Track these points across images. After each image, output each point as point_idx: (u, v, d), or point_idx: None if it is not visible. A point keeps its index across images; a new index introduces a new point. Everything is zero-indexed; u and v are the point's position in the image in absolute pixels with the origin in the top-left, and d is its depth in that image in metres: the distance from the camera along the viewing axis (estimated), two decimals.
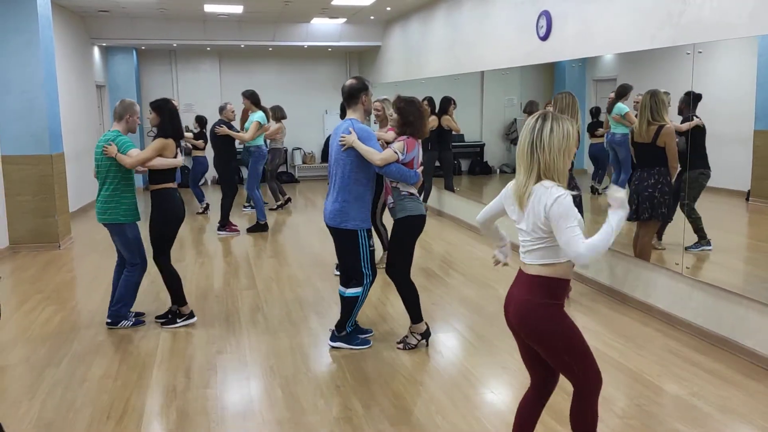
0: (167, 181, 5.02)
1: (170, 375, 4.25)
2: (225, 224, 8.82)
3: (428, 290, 6.03)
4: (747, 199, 5.47)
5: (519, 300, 2.65)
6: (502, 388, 4.07)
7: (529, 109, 8.86)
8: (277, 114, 10.30)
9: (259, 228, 8.95)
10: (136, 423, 3.63)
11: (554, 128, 2.53)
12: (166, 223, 5.05)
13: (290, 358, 4.55)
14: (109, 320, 5.13)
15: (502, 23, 7.94)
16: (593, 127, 6.91)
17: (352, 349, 4.61)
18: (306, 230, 9.16)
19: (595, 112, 6.91)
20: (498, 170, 10.54)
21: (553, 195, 2.48)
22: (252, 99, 8.99)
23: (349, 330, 4.65)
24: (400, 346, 4.67)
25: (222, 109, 9.01)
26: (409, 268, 4.61)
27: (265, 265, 7.14)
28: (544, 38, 6.88)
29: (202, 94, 13.92)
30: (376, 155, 4.34)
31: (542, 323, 2.59)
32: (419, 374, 4.26)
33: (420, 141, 4.73)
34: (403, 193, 4.53)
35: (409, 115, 4.54)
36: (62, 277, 6.73)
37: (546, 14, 6.81)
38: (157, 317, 5.29)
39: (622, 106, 6.26)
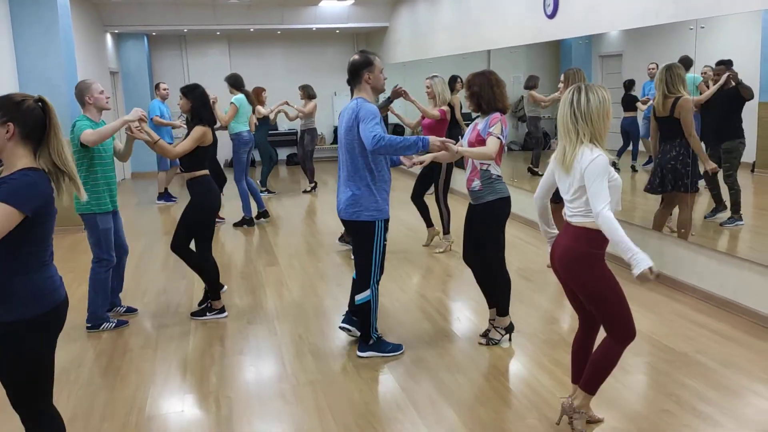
0: (201, 168, 4.86)
1: (206, 344, 4.53)
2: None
3: (454, 261, 6.28)
4: (752, 171, 5.64)
5: (563, 246, 3.03)
6: (515, 350, 4.33)
7: (531, 84, 8.99)
8: (309, 92, 10.22)
9: (243, 222, 8.34)
10: (179, 385, 3.92)
11: (591, 97, 2.87)
12: (204, 212, 4.89)
13: (317, 326, 4.82)
14: (88, 324, 4.80)
15: (509, 2, 8.09)
16: (627, 101, 6.68)
17: (385, 356, 4.21)
18: (321, 209, 9.44)
19: (628, 85, 6.66)
20: (506, 147, 10.71)
21: (589, 157, 2.85)
22: (229, 82, 8.54)
23: (375, 337, 4.25)
24: (483, 341, 4.41)
25: None
26: (502, 253, 4.36)
27: (284, 243, 7.41)
28: (551, 16, 7.06)
29: (212, 78, 13.89)
30: (489, 151, 3.96)
31: (582, 270, 2.96)
32: (439, 337, 4.53)
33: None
34: (494, 175, 4.13)
35: (473, 86, 4.14)
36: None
37: None
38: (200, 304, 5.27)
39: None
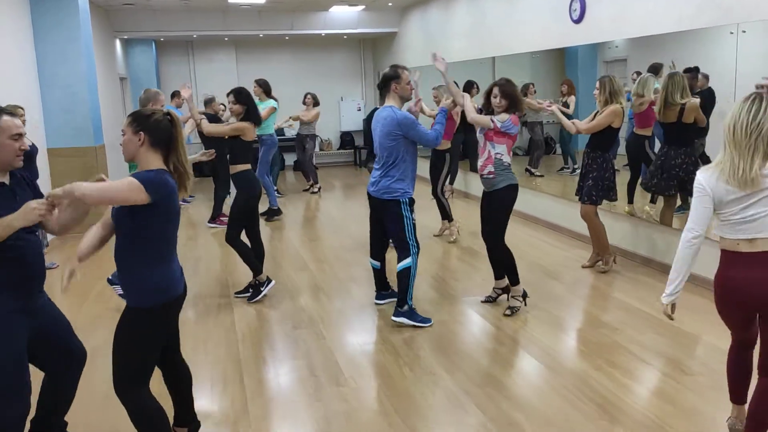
0: (245, 161, 5.54)
1: (256, 349, 4.52)
2: (216, 216, 8.57)
3: (476, 268, 6.30)
4: None
5: None
6: (570, 354, 4.35)
7: (522, 92, 9.04)
8: (316, 100, 10.71)
9: (272, 213, 8.94)
10: (240, 391, 3.90)
11: None
12: (250, 200, 5.52)
13: (364, 330, 4.83)
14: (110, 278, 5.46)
15: (533, 6, 8.10)
16: None
17: (414, 325, 4.77)
18: (340, 214, 9.43)
19: None
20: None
21: None
22: (264, 88, 8.82)
23: (410, 304, 4.81)
24: (508, 312, 4.98)
25: (209, 102, 8.86)
26: (503, 232, 5.04)
27: (309, 248, 7.40)
28: (578, 21, 7.10)
29: (219, 84, 13.98)
30: (479, 119, 4.90)
31: None
32: (490, 342, 4.54)
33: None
34: (506, 163, 4.88)
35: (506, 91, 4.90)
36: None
37: None
38: (237, 293, 5.67)
39: None
